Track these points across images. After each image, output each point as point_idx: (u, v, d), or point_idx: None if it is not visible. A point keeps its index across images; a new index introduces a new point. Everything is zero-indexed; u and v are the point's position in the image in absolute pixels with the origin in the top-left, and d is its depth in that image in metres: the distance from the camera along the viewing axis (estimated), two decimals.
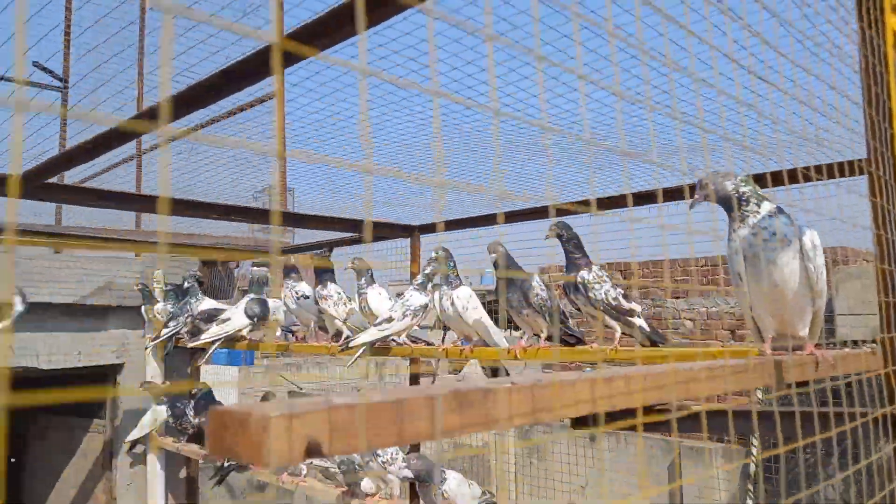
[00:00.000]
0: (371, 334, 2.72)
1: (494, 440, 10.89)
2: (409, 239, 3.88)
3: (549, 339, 2.40)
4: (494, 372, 2.82)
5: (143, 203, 3.46)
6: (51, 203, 4.28)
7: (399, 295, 2.89)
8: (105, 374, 4.54)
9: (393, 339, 2.79)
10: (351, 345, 2.72)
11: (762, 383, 1.16)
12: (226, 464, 3.50)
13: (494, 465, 10.70)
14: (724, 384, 1.06)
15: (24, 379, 4.27)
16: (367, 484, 3.02)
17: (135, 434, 4.26)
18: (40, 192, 2.94)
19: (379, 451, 2.83)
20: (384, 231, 3.96)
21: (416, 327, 3.02)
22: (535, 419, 0.76)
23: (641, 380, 0.91)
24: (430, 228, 3.87)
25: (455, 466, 10.59)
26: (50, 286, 4.13)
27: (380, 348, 2.81)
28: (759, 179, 2.05)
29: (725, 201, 1.40)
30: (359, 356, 2.72)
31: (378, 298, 2.94)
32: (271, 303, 3.58)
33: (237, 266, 4.76)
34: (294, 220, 3.80)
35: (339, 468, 3.05)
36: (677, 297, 10.35)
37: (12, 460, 5.20)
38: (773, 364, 1.20)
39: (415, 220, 3.94)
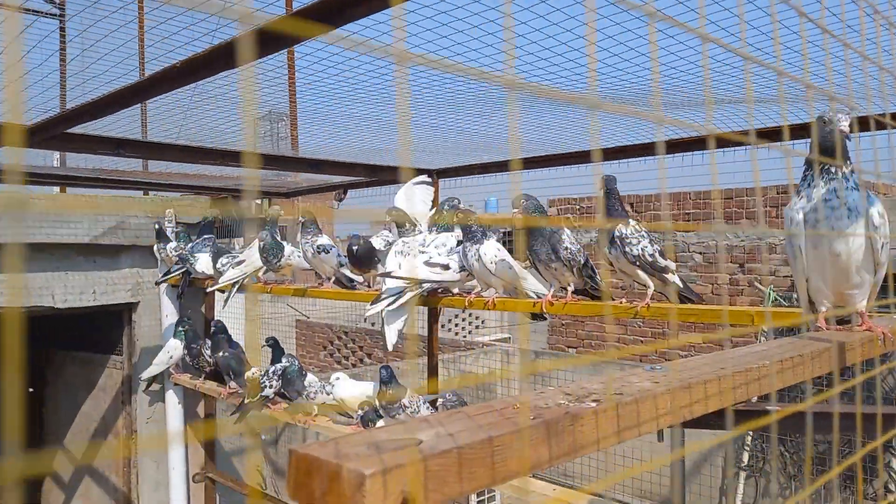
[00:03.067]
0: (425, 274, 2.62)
1: (499, 368, 11.11)
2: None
3: (575, 292, 2.36)
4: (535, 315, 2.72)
5: (151, 151, 3.35)
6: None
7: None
8: (121, 313, 4.56)
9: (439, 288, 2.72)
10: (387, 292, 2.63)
11: (829, 368, 1.11)
12: (245, 401, 3.55)
13: (499, 392, 10.96)
14: (795, 375, 1.01)
15: (42, 317, 4.29)
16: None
17: (150, 372, 4.29)
18: (43, 144, 2.85)
19: (406, 402, 2.84)
20: (397, 175, 3.86)
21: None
22: (621, 438, 0.71)
23: (718, 383, 0.86)
24: (448, 173, 3.77)
25: (460, 392, 10.85)
26: (63, 226, 4.08)
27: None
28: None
29: (834, 145, 1.29)
30: (402, 301, 2.64)
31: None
32: (286, 246, 3.53)
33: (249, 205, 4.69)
34: (303, 164, 3.70)
35: (362, 418, 3.09)
36: (687, 230, 10.28)
37: (31, 390, 5.30)
38: (837, 347, 1.15)
39: (434, 164, 3.82)
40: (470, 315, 11.47)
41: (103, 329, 4.69)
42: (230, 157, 3.51)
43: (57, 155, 4.62)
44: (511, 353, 9.77)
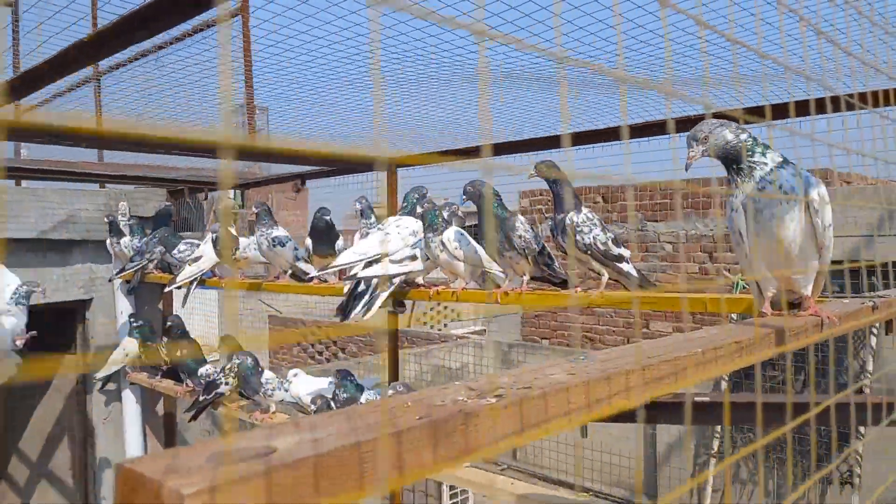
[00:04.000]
0: (383, 268, 2.53)
1: (472, 360, 11.08)
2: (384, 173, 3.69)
3: (538, 279, 2.30)
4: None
5: (105, 142, 3.22)
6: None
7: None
8: (74, 311, 4.41)
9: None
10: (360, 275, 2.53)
11: (768, 355, 1.06)
12: (200, 398, 3.44)
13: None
14: (729, 364, 0.96)
15: None
16: None
17: (105, 371, 4.17)
18: None
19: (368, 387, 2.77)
20: (358, 163, 3.76)
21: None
22: (524, 439, 0.65)
23: (641, 374, 0.80)
24: (408, 162, 3.68)
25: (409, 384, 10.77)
26: (10, 221, 3.92)
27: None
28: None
29: (727, 155, 1.25)
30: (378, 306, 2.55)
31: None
32: (242, 240, 3.43)
33: (206, 198, 4.56)
34: (260, 154, 3.58)
35: (312, 405, 3.01)
36: (657, 220, 10.34)
37: None
38: (775, 333, 1.10)
39: (392, 150, 3.73)
40: (445, 307, 11.42)
41: (56, 327, 4.53)
42: (190, 148, 3.39)
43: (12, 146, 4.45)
44: (484, 346, 9.74)
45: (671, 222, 10.38)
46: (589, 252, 2.03)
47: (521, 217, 2.23)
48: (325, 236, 3.02)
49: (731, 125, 1.30)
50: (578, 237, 1.99)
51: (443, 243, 2.39)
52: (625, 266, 2.09)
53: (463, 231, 2.49)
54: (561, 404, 0.69)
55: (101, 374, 4.15)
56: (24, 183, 4.51)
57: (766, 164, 1.25)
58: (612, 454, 6.70)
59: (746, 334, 1.03)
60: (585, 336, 10.77)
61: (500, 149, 3.58)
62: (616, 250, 2.02)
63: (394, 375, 3.70)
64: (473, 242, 2.47)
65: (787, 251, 1.25)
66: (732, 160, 1.26)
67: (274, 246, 3.23)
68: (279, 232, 3.26)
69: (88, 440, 4.40)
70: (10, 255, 3.98)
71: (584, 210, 2.05)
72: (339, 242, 3.10)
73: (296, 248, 3.26)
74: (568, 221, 2.01)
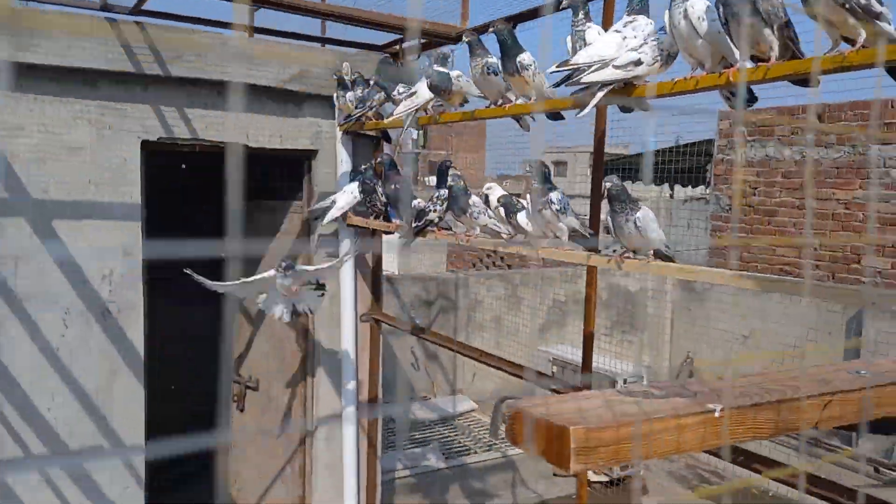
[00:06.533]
0: (609, 74, 2.43)
1: (652, 284, 10.76)
2: None
3: None
4: None
5: None
6: None
7: None
8: (300, 160, 4.95)
9: None
10: (584, 80, 2.29)
11: None
12: (413, 224, 3.74)
13: (651, 309, 10.65)
14: None
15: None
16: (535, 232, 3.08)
17: (331, 215, 4.49)
18: None
19: (553, 199, 2.82)
20: None
21: None
22: None
23: None
24: None
25: (609, 309, 10.70)
26: (255, 69, 4.45)
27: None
28: None
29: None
30: (596, 102, 2.30)
31: (601, 38, 2.60)
32: (453, 73, 3.59)
33: (417, 57, 4.83)
34: None
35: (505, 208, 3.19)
36: (887, 143, 9.08)
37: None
38: None
39: None
40: None
41: (287, 176, 5.13)
42: None
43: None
44: None
45: None
46: (846, 5, 1.86)
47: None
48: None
49: None
50: None
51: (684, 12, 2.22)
52: (886, 26, 1.89)
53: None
54: None
55: (328, 218, 4.45)
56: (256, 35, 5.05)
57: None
58: None
59: None
60: (782, 270, 9.95)
61: None
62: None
63: None
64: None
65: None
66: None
67: (488, 74, 3.33)
68: (493, 61, 3.33)
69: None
70: (253, 102, 4.54)
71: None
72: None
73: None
74: None
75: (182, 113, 4.26)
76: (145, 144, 4.13)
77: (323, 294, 4.28)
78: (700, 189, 12.01)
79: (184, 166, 6.65)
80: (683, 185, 12.54)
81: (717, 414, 0.62)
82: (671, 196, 13.10)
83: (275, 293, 4.04)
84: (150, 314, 4.28)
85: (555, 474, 7.06)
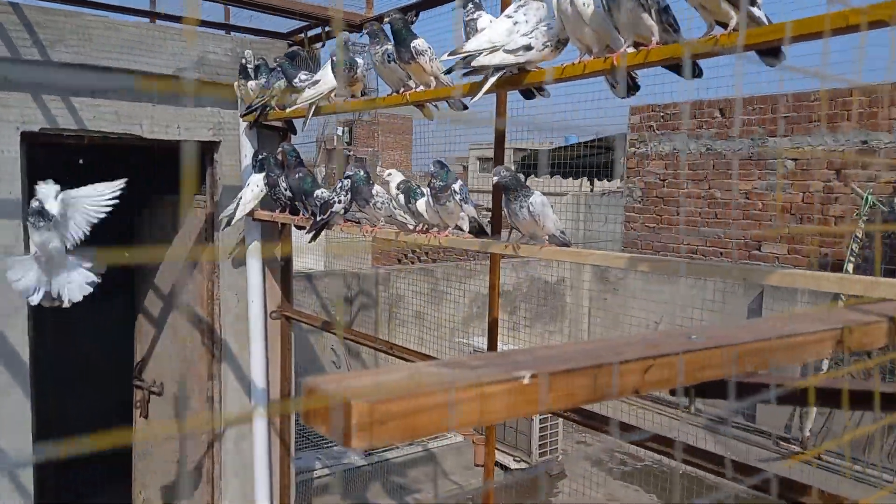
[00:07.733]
0: (500, 58, 2.44)
1: (570, 274, 11.03)
2: None
3: None
4: None
5: None
6: None
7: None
8: (202, 152, 4.74)
9: None
10: (475, 64, 2.33)
11: None
12: (318, 218, 3.64)
13: (569, 300, 10.92)
14: None
15: (132, 150, 4.53)
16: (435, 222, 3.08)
17: (240, 213, 4.31)
18: None
19: (456, 189, 2.82)
20: None
21: None
22: None
23: None
24: None
25: (529, 301, 10.88)
26: (149, 56, 4.22)
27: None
28: None
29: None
30: (489, 87, 2.39)
31: (492, 24, 2.60)
32: (358, 59, 3.53)
33: (322, 45, 4.71)
34: None
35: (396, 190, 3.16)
36: (782, 136, 9.65)
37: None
38: None
39: None
40: None
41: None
42: None
43: None
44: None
45: (796, 137, 9.68)
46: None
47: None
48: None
49: None
50: None
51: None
52: (757, 11, 1.97)
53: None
54: None
55: (235, 218, 4.28)
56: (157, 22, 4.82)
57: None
58: None
59: None
60: (690, 255, 10.42)
61: None
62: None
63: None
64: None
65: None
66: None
67: (388, 62, 3.28)
68: (391, 48, 3.29)
69: (214, 273, 4.79)
70: (147, 90, 4.30)
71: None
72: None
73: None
74: None
75: (67, 102, 3.98)
76: (25, 136, 3.84)
77: (94, 283, 3.40)
78: (616, 182, 12.42)
79: (81, 161, 6.25)
80: (600, 179, 12.92)
81: (525, 381, 0.60)
82: (591, 189, 13.48)
83: (30, 260, 3.25)
84: (37, 320, 3.99)
85: (476, 465, 7.11)
